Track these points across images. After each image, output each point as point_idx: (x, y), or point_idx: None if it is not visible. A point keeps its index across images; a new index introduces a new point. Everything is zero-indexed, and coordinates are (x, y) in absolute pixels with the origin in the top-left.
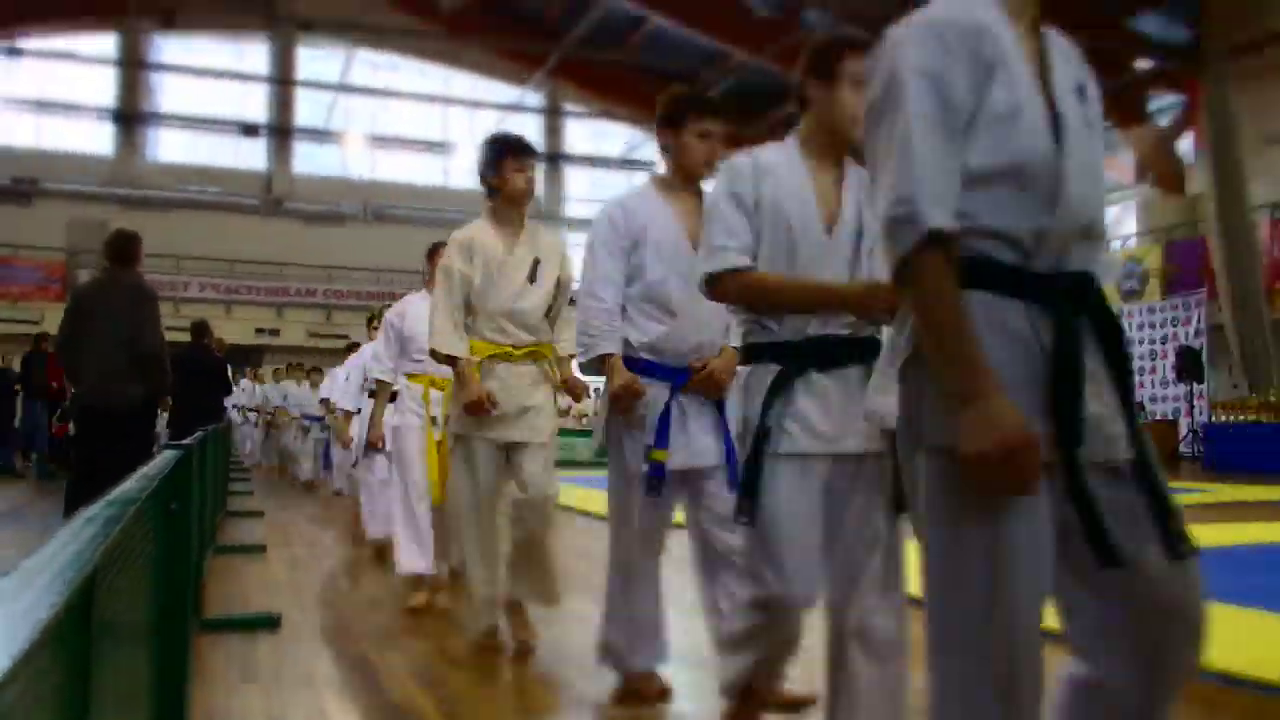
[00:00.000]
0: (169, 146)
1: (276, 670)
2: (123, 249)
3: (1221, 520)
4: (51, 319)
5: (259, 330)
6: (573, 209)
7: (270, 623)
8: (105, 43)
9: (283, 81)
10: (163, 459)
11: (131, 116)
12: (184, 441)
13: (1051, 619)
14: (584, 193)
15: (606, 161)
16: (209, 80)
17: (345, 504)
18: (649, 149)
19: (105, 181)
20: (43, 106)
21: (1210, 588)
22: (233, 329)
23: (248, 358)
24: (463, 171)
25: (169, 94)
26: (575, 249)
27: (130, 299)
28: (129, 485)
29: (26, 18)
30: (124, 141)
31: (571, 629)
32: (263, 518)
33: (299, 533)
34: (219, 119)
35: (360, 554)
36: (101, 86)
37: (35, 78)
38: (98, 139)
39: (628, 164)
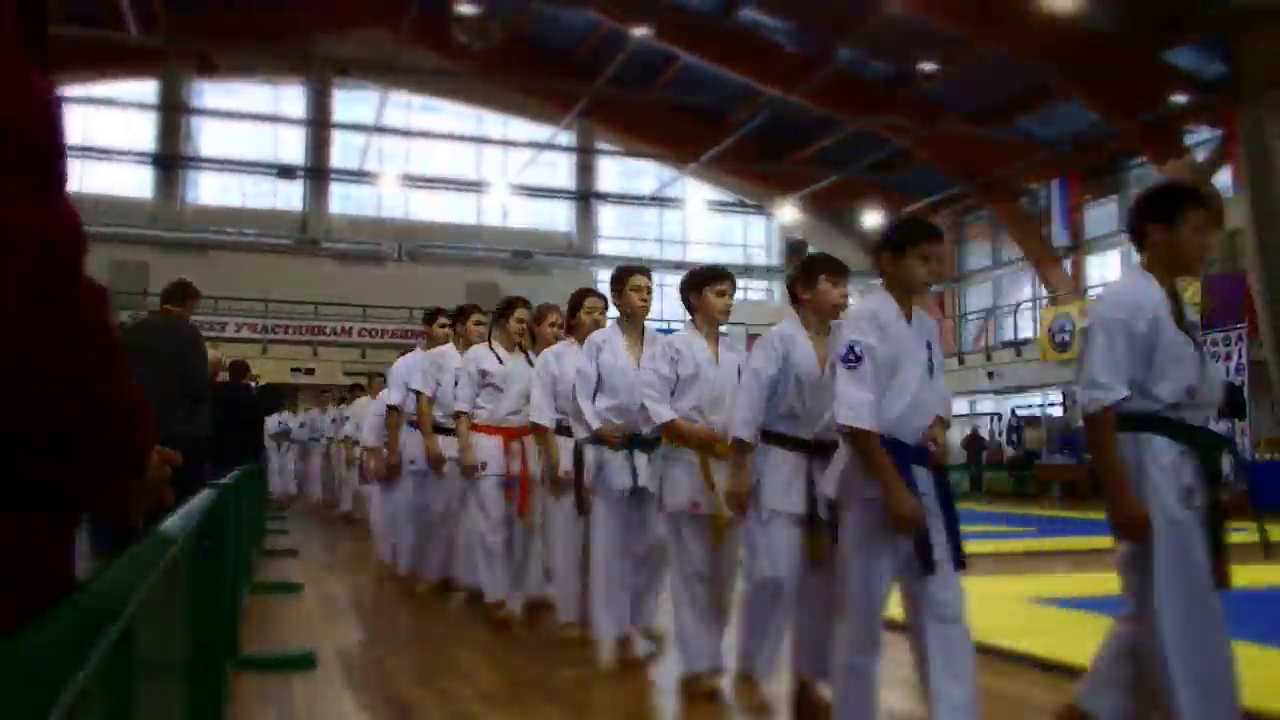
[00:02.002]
0: (208, 189)
1: (311, 710)
2: (179, 293)
3: (1264, 561)
4: None
5: (294, 369)
6: (604, 246)
7: (305, 662)
8: (145, 89)
9: (319, 124)
10: (200, 499)
11: (171, 161)
12: (221, 481)
13: None
14: (615, 230)
15: (638, 199)
16: (247, 124)
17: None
18: (680, 186)
19: (144, 224)
20: (85, 152)
21: (1251, 627)
22: (269, 368)
23: (282, 396)
24: (495, 210)
25: (208, 138)
26: (606, 285)
27: (181, 340)
28: (167, 525)
29: (69, 66)
30: (164, 185)
31: (611, 669)
32: (297, 556)
33: (334, 571)
34: (256, 161)
35: (395, 592)
36: (142, 131)
37: (77, 124)
38: (138, 183)
39: (659, 201)
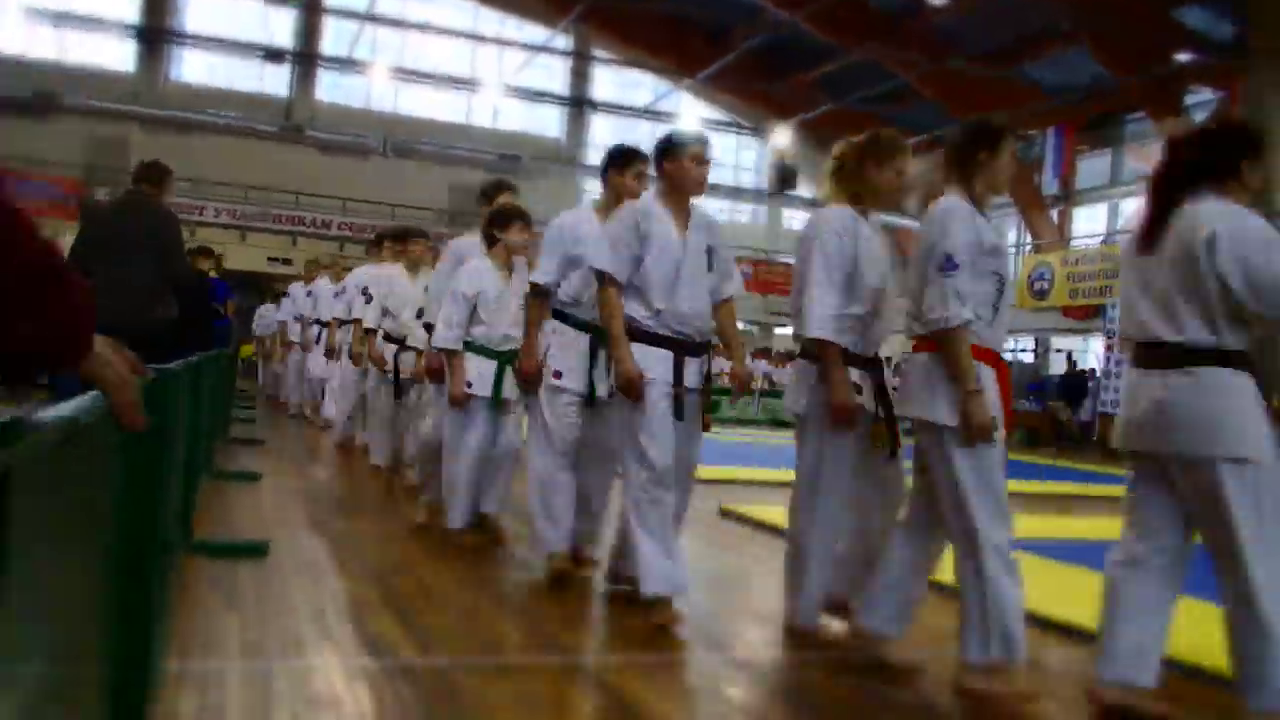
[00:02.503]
0: (192, 67)
1: (258, 598)
2: (154, 172)
3: None
4: (67, 237)
5: (271, 259)
6: (594, 156)
7: (258, 551)
8: None
9: (310, 7)
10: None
11: (155, 34)
12: (167, 365)
13: None
14: (607, 140)
15: (633, 110)
16: (235, 1)
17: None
18: (675, 100)
19: (126, 99)
20: (65, 19)
21: (1194, 580)
22: (246, 255)
23: (259, 285)
24: (486, 111)
25: (194, 13)
26: (592, 195)
27: (155, 220)
28: (84, 400)
29: None
30: (146, 60)
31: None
32: (263, 445)
33: (295, 463)
34: (243, 42)
35: (355, 487)
36: (126, 1)
37: None
38: (120, 56)
39: (653, 114)
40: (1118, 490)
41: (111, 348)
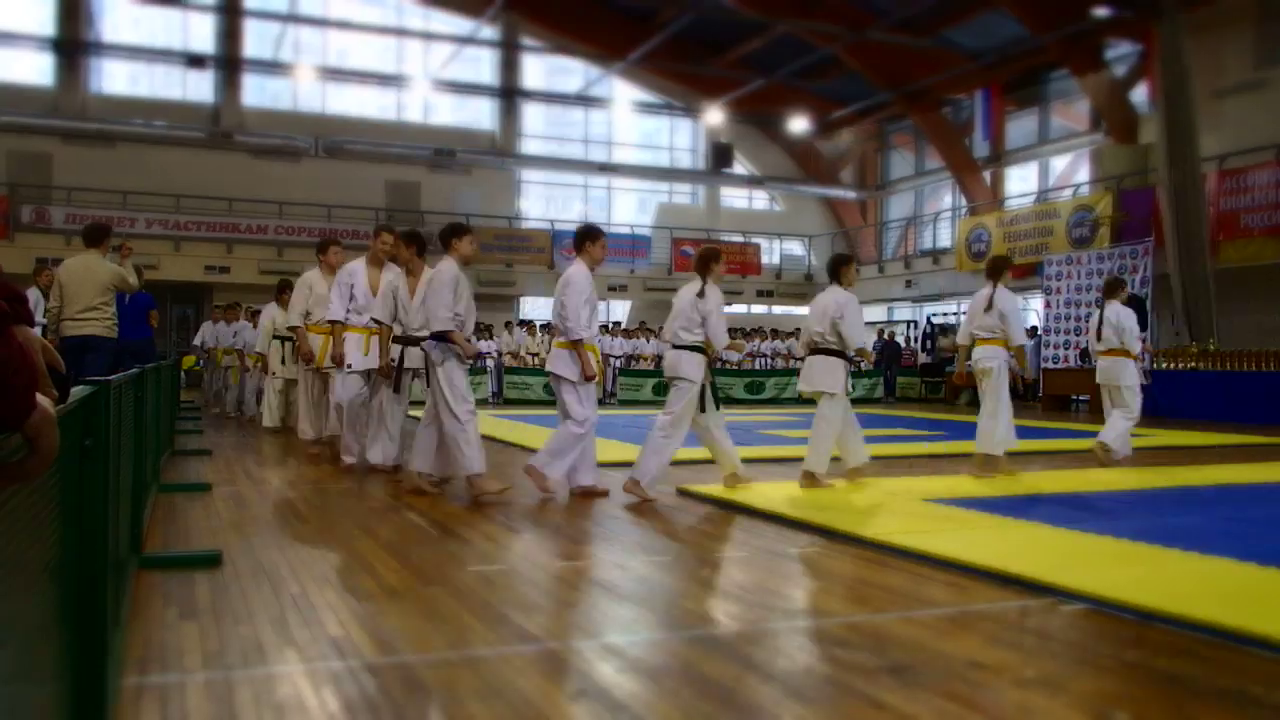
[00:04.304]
0: (113, 78)
1: (215, 607)
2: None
3: (1156, 464)
4: None
5: (209, 268)
6: (529, 146)
7: (211, 561)
8: None
9: (229, 11)
10: (75, 394)
11: (72, 46)
12: (98, 379)
13: None
14: (540, 129)
15: (564, 97)
16: (153, 9)
17: (294, 444)
18: (607, 86)
19: (46, 113)
20: None
21: (1141, 527)
22: (181, 266)
23: (197, 295)
24: (416, 106)
25: (111, 22)
26: (530, 185)
27: None
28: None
29: None
30: (65, 72)
31: (518, 565)
32: (210, 456)
33: (244, 472)
34: (164, 49)
35: (308, 491)
36: (40, 14)
37: None
38: (38, 69)
39: (585, 101)
40: (1063, 444)
41: (51, 407)
